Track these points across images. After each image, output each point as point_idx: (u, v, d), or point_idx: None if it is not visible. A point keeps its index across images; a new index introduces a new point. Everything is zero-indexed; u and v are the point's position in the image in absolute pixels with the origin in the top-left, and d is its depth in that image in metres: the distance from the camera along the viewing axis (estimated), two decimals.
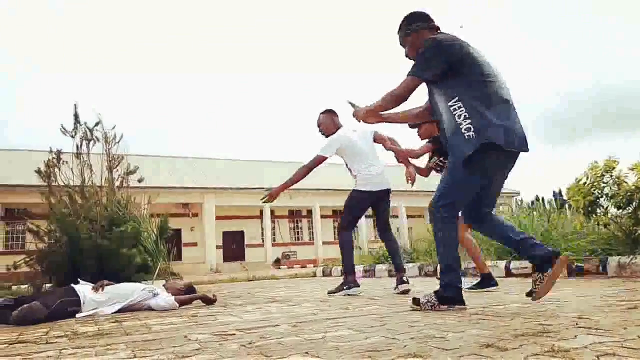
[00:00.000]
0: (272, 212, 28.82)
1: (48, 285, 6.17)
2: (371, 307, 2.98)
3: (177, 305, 3.71)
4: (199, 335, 2.14)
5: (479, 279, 3.96)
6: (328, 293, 4.19)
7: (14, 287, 7.36)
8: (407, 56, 2.75)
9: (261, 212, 28.58)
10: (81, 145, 6.79)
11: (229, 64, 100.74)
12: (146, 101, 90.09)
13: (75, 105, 6.80)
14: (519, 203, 11.13)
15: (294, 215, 31.94)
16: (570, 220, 6.16)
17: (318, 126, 4.52)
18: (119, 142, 7.00)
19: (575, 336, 1.60)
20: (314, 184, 26.22)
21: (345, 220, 4.26)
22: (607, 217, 4.84)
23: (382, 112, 2.75)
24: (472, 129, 2.36)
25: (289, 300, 3.92)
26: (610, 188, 4.75)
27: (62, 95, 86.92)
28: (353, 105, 2.95)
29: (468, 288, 3.72)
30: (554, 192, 9.38)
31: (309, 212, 30.50)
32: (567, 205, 6.93)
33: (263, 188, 28.86)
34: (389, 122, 2.92)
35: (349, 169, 4.34)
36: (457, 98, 2.43)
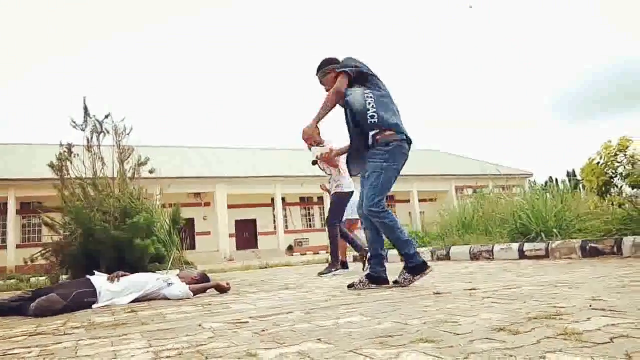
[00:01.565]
0: (283, 199, 28.93)
1: (64, 277, 6.27)
2: (383, 292, 2.99)
3: (192, 294, 3.75)
4: (213, 324, 2.17)
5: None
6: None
7: (31, 280, 7.51)
8: (327, 90, 3.41)
9: (272, 199, 28.71)
10: (91, 138, 6.84)
11: (231, 60, 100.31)
12: (143, 94, 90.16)
13: (84, 98, 6.85)
14: (532, 184, 11.03)
15: (305, 202, 32.03)
16: (584, 200, 6.10)
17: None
18: (129, 134, 7.04)
19: (589, 318, 1.59)
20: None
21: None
22: (621, 197, 4.78)
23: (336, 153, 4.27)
24: (376, 116, 3.12)
25: (301, 287, 3.95)
26: (625, 167, 4.68)
27: (61, 90, 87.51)
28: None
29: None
30: (567, 172, 9.31)
31: (320, 199, 30.55)
32: (580, 186, 6.86)
33: (273, 176, 28.59)
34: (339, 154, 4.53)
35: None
36: (368, 91, 3.21)
